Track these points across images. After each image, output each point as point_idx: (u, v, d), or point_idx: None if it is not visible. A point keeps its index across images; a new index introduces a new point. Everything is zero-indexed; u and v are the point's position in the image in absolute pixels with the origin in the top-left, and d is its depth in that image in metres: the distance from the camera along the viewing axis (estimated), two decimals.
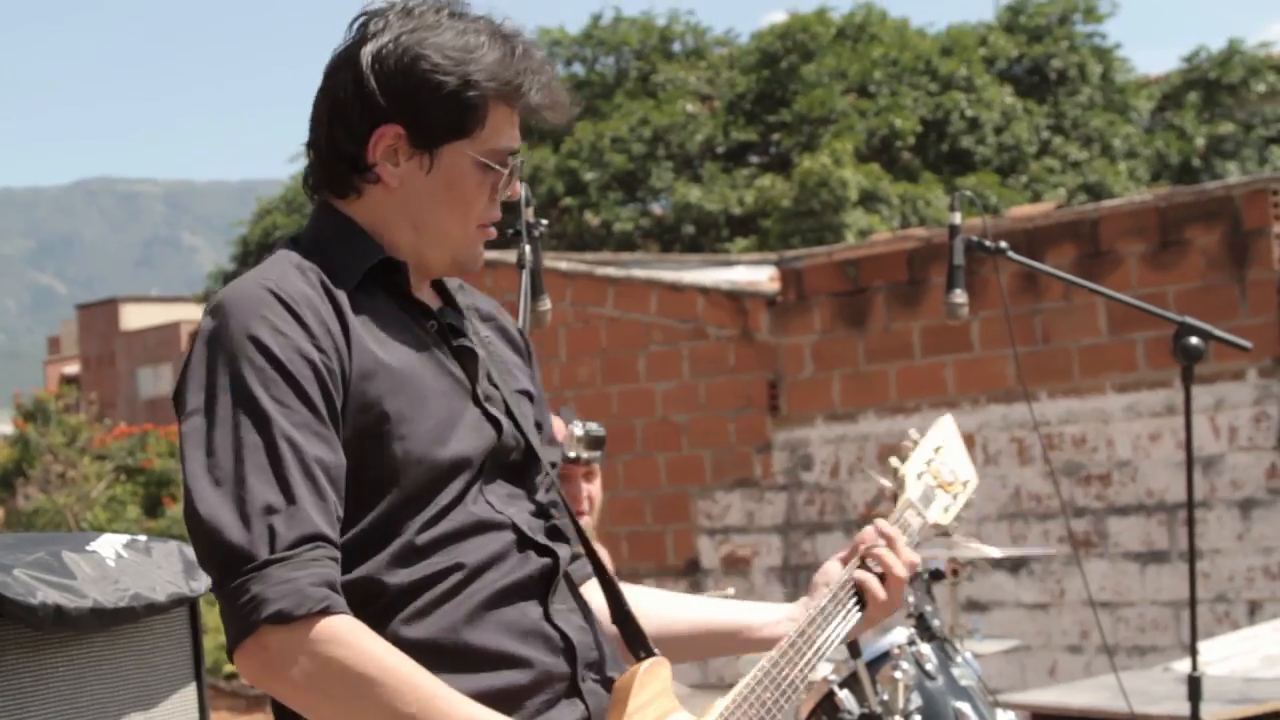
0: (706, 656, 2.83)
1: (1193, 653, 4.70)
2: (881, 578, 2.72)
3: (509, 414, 2.59)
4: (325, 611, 2.26)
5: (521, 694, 2.40)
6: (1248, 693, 5.78)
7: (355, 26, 2.55)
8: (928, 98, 31.04)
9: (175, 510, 27.18)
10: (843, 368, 10.85)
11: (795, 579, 11.11)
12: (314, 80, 2.60)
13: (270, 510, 2.29)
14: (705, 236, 30.51)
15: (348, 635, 2.26)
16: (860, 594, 2.71)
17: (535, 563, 2.50)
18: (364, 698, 2.25)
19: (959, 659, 4.62)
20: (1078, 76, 32.57)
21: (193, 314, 51.23)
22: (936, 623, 4.67)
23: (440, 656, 2.35)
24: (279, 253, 2.53)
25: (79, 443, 29.06)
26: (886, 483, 2.98)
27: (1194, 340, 4.52)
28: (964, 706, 4.47)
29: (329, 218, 2.59)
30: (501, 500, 2.52)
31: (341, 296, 2.46)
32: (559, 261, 12.81)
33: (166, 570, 3.41)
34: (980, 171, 30.12)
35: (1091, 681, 7.11)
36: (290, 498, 2.30)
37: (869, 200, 28.59)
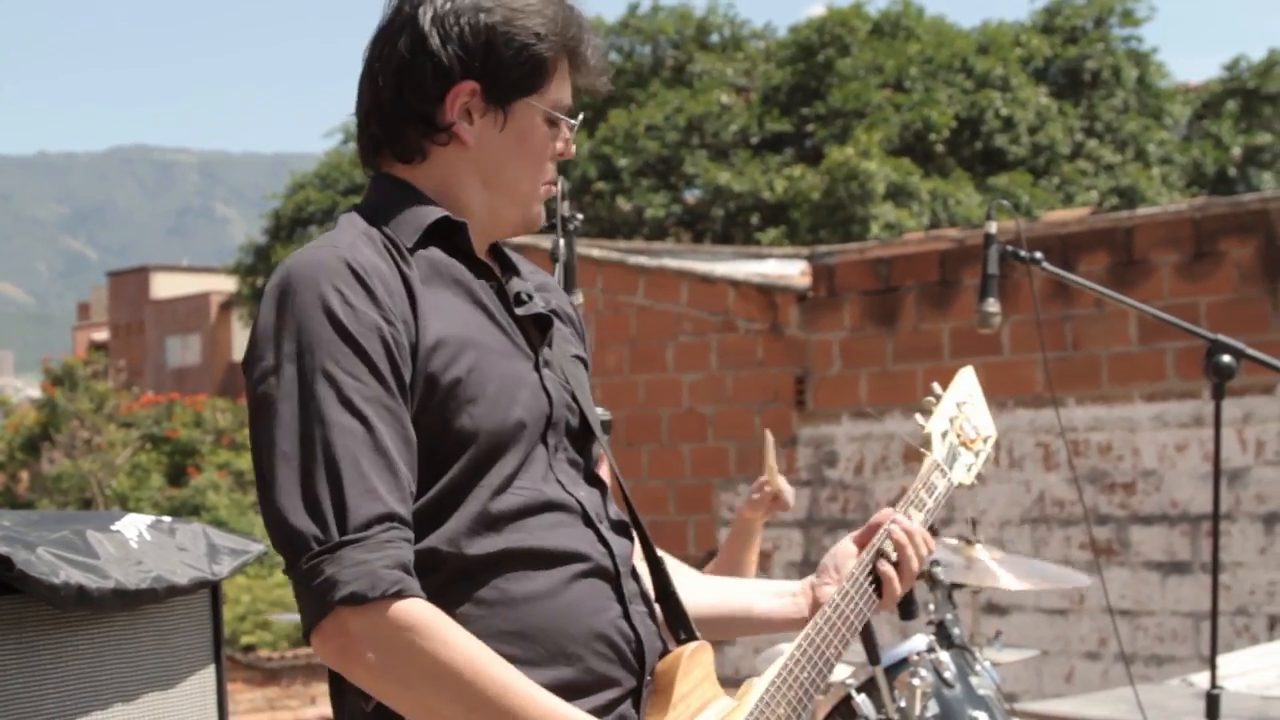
0: (714, 638, 2.81)
1: (1212, 668, 4.68)
2: (896, 566, 2.70)
3: (566, 383, 2.55)
4: (399, 595, 2.22)
5: (579, 691, 2.35)
6: (1265, 711, 5.76)
7: None
8: (962, 95, 30.97)
9: (199, 480, 27.30)
10: (871, 366, 10.83)
11: None
12: (352, 56, 2.57)
13: (341, 489, 2.24)
14: (736, 225, 30.48)
15: (424, 621, 2.23)
16: (878, 581, 2.69)
17: (600, 552, 2.46)
18: (440, 685, 2.22)
19: (978, 668, 4.61)
20: (1113, 79, 32.47)
21: (223, 285, 51.31)
22: (956, 631, 4.66)
23: (501, 641, 2.31)
24: (346, 219, 2.49)
25: (106, 409, 29.17)
26: (923, 423, 2.88)
27: (1226, 359, 4.49)
28: (981, 716, 4.46)
29: (389, 185, 2.54)
30: (571, 480, 2.49)
31: (407, 264, 2.42)
32: (591, 249, 12.80)
33: (190, 552, 3.41)
34: (1013, 171, 30.06)
35: (1107, 694, 7.09)
36: (361, 475, 2.25)
37: (898, 194, 28.54)
